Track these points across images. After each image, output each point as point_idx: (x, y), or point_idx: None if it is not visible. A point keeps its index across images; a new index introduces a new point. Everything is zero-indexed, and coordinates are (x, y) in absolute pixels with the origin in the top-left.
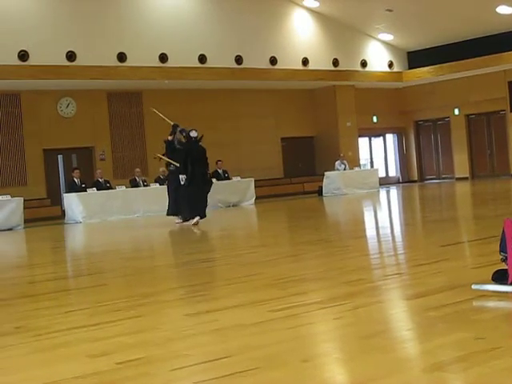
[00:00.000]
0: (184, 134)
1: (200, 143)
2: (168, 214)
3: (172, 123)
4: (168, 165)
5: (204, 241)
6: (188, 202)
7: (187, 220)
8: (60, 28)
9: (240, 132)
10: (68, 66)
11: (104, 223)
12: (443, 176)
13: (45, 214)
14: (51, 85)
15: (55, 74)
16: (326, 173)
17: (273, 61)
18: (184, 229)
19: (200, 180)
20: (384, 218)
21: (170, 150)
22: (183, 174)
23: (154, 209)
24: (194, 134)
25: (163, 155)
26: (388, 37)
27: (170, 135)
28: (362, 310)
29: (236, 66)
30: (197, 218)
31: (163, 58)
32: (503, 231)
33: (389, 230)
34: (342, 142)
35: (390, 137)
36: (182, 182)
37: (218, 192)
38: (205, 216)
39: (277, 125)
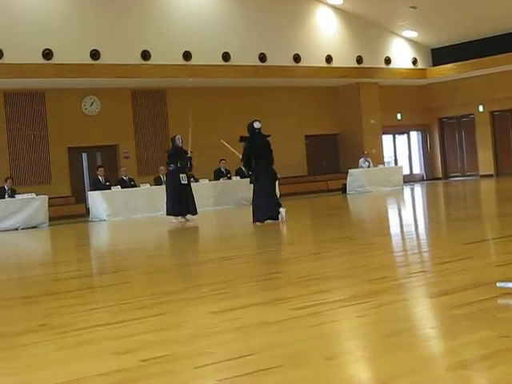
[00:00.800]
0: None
1: (266, 136)
2: (168, 214)
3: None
4: (168, 164)
5: (227, 238)
6: (257, 201)
7: (260, 221)
8: (84, 27)
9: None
10: (92, 64)
11: (128, 221)
12: (467, 173)
13: (69, 211)
14: (75, 83)
15: (79, 72)
16: (349, 170)
17: (296, 58)
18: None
19: (265, 175)
20: (408, 215)
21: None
22: (247, 169)
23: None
24: (257, 124)
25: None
26: (412, 34)
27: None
28: (386, 308)
29: (260, 63)
30: (281, 212)
31: (187, 55)
32: None
33: (413, 228)
34: (366, 140)
35: (414, 134)
36: (183, 181)
37: (241, 190)
38: (277, 216)
39: (300, 122)
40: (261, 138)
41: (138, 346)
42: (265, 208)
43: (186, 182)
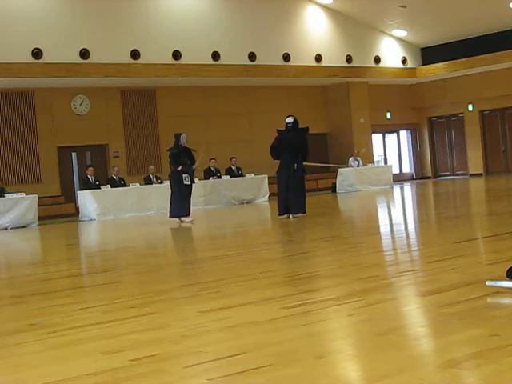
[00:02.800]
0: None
1: (300, 131)
2: (173, 216)
3: None
4: (172, 164)
5: (217, 238)
6: (277, 196)
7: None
8: (73, 26)
9: (253, 129)
10: (81, 63)
11: (118, 220)
12: (457, 172)
13: (59, 211)
14: (65, 82)
15: (69, 71)
16: (339, 169)
17: (286, 57)
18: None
19: (285, 169)
20: (398, 214)
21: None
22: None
23: (167, 206)
24: (288, 119)
25: None
26: (401, 33)
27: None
28: (376, 307)
29: (249, 62)
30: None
31: (176, 55)
32: None
33: (403, 227)
34: (356, 139)
35: (403, 133)
36: (186, 182)
37: (232, 189)
38: (299, 212)
39: None
40: (290, 133)
41: (128, 346)
42: (279, 203)
43: (189, 183)
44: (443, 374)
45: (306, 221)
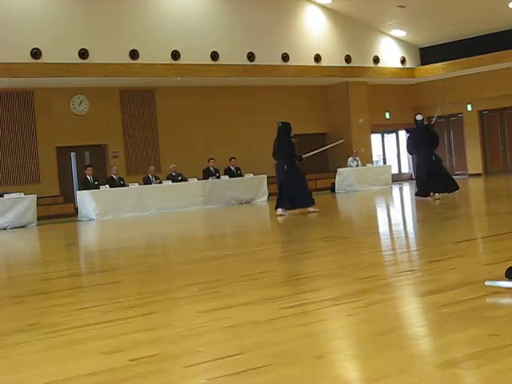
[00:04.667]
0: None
1: (430, 127)
2: (289, 208)
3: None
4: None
5: (217, 238)
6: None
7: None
8: (72, 26)
9: (253, 129)
10: (80, 63)
11: (117, 220)
12: (456, 172)
13: (58, 211)
14: (64, 82)
15: (68, 71)
16: (338, 169)
17: (285, 57)
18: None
19: (425, 161)
20: (397, 214)
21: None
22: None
23: (167, 206)
24: (418, 117)
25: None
26: (400, 33)
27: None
28: (376, 307)
29: (248, 62)
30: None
31: (175, 55)
32: None
33: (402, 227)
34: (355, 139)
35: (402, 133)
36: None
37: (231, 189)
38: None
39: (289, 121)
40: (422, 129)
41: (128, 346)
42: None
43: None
44: (443, 373)
45: (305, 220)
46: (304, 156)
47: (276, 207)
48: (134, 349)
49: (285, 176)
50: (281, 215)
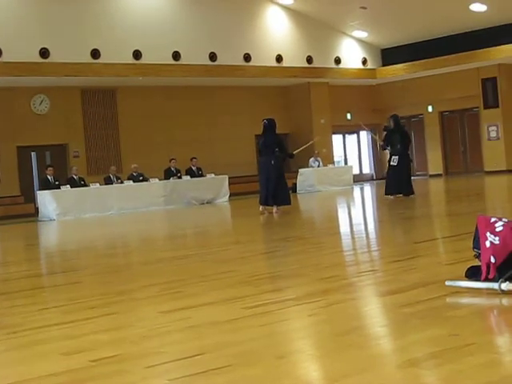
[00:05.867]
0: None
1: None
2: (271, 205)
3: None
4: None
5: (178, 238)
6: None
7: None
8: (33, 25)
9: (214, 129)
10: (41, 62)
11: (78, 220)
12: (417, 173)
13: (18, 211)
14: (25, 82)
15: (28, 70)
16: (300, 170)
17: (247, 58)
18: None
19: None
20: (358, 214)
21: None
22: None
23: (128, 206)
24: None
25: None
26: (362, 34)
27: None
28: (337, 307)
29: (210, 62)
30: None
31: (137, 54)
32: (476, 228)
33: (363, 227)
34: (316, 139)
35: (363, 134)
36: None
37: (192, 189)
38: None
39: (251, 122)
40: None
41: (89, 346)
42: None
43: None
44: (403, 373)
45: (266, 221)
46: (295, 152)
47: (261, 203)
48: (95, 349)
49: (272, 171)
50: (263, 213)
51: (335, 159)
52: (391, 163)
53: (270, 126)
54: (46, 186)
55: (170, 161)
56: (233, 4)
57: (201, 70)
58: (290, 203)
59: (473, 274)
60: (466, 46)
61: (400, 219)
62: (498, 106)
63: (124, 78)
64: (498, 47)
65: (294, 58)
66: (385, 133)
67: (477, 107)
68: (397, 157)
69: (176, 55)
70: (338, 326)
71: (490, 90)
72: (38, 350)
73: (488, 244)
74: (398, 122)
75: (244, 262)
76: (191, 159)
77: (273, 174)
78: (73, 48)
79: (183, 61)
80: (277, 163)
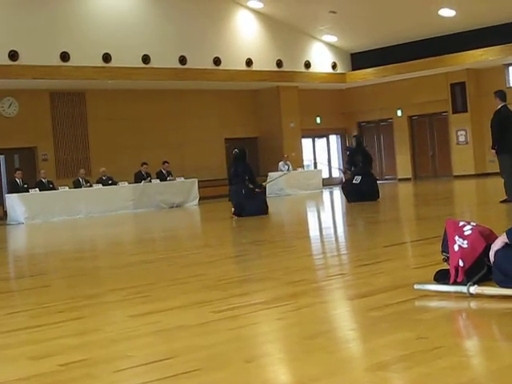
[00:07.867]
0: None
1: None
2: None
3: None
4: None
5: (147, 241)
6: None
7: None
8: (2, 27)
9: (184, 132)
10: (10, 65)
11: (47, 224)
12: (386, 177)
13: None
14: None
15: None
16: (269, 173)
17: (217, 61)
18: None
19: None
20: (327, 218)
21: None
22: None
23: (96, 209)
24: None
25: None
26: (332, 38)
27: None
28: (306, 311)
29: (180, 66)
30: None
31: (107, 57)
32: (445, 231)
33: (332, 231)
34: (286, 143)
35: (333, 138)
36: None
37: (161, 192)
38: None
39: (221, 125)
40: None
41: (57, 351)
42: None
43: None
44: (372, 376)
45: (235, 224)
46: (264, 184)
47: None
48: (63, 354)
49: (244, 200)
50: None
51: (304, 163)
52: (353, 181)
53: (240, 155)
54: (14, 189)
55: (142, 165)
56: (203, 8)
57: (170, 74)
58: (265, 214)
59: (441, 277)
60: (434, 51)
61: (369, 223)
62: (466, 111)
63: (93, 81)
64: (466, 52)
65: (263, 62)
66: (347, 152)
67: (445, 112)
68: (360, 176)
69: (146, 58)
70: (307, 330)
71: (458, 95)
72: (6, 355)
73: (456, 248)
74: (361, 142)
75: (213, 266)
76: (163, 163)
77: (245, 202)
78: (42, 51)
79: (153, 64)
80: (248, 193)
